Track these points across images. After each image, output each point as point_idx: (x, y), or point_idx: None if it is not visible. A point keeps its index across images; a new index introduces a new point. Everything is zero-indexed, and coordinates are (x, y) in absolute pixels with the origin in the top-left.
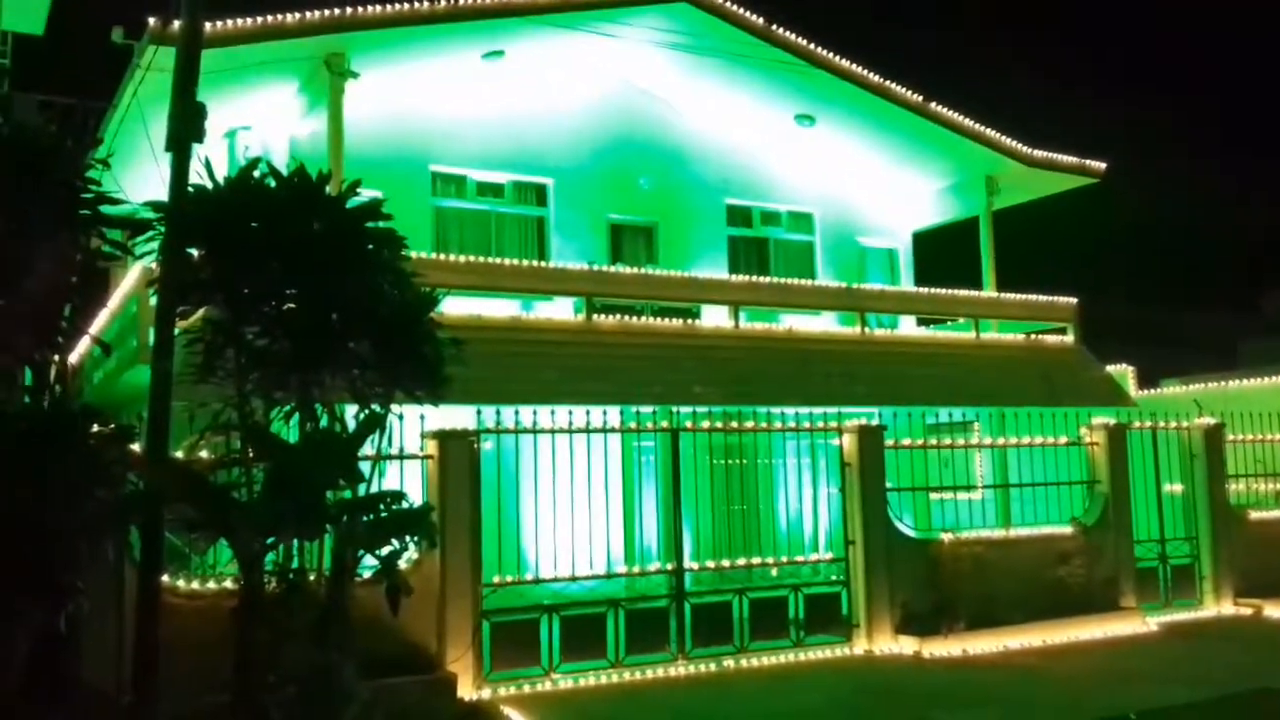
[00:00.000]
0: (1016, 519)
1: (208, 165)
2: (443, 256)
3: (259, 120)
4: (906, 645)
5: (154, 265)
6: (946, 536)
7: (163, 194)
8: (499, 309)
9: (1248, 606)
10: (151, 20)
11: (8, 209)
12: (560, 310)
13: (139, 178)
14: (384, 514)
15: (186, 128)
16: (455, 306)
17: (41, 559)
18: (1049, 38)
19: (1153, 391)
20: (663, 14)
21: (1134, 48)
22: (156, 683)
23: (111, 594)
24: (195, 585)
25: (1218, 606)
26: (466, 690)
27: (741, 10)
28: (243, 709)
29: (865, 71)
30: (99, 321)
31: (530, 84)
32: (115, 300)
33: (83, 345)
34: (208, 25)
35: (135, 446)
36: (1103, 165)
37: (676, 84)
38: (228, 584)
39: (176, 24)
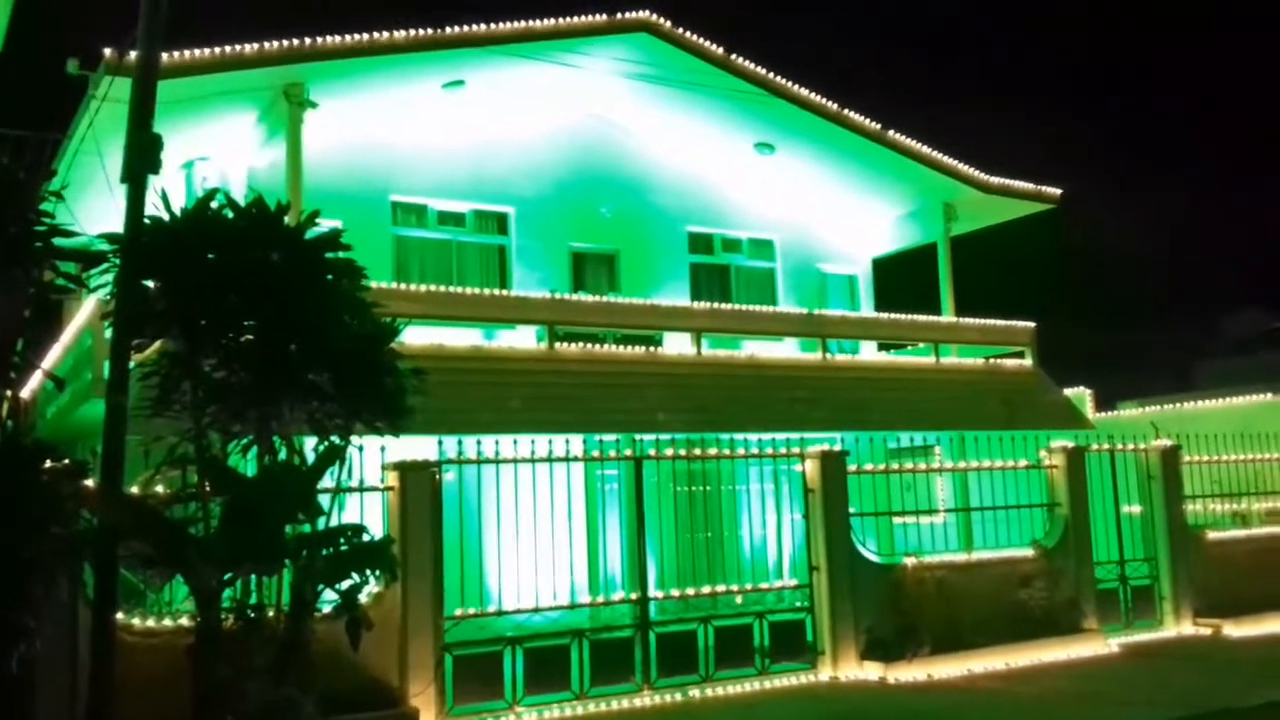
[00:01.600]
0: (978, 542)
1: (164, 197)
2: (403, 286)
3: (217, 151)
4: (872, 671)
5: (109, 298)
6: (910, 561)
7: (119, 225)
8: (460, 338)
9: (1207, 626)
10: (107, 51)
11: None
12: (522, 339)
13: (95, 209)
14: (344, 548)
15: (142, 160)
16: (416, 336)
17: None
18: (1006, 64)
19: (1110, 414)
20: (623, 43)
21: (1092, 71)
22: None
23: (65, 632)
24: (151, 623)
25: (1178, 627)
26: None
27: (701, 40)
28: None
29: (824, 100)
30: (52, 355)
31: (491, 113)
32: (69, 333)
33: (36, 379)
34: (165, 55)
35: (89, 482)
36: (1058, 191)
37: (637, 113)
38: (184, 621)
39: (132, 55)
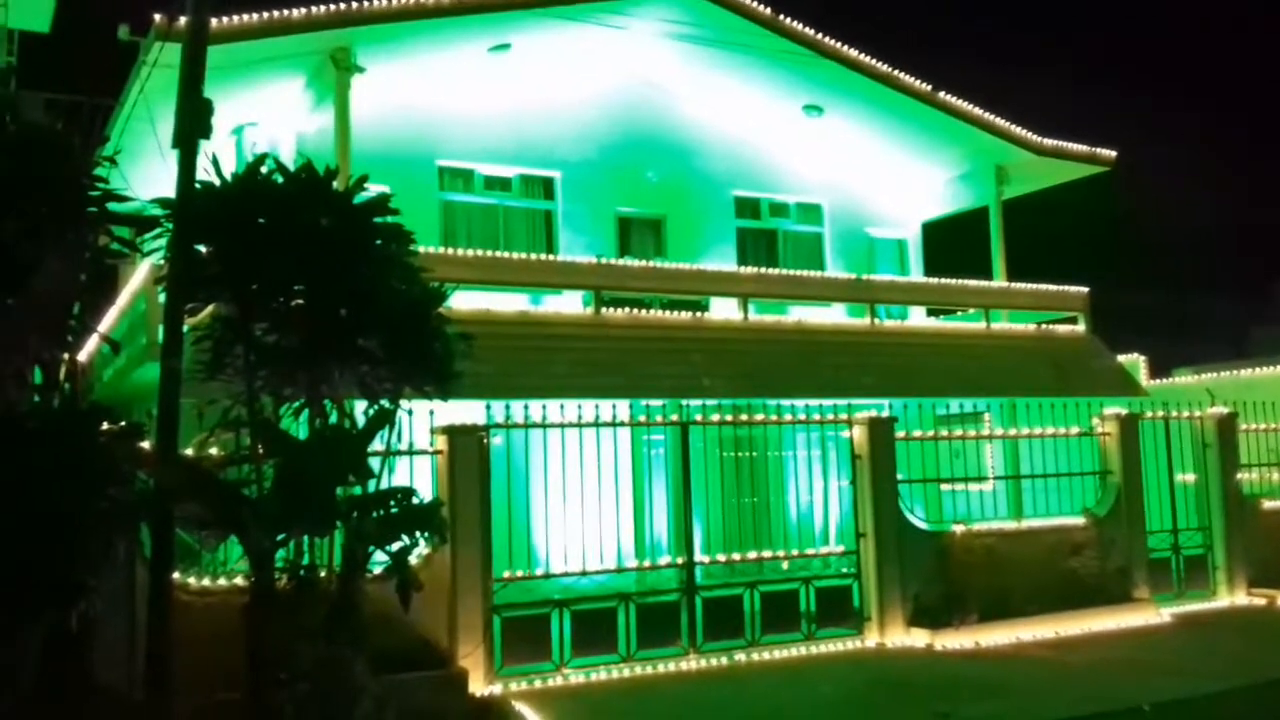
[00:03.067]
0: (1028, 510)
1: (215, 162)
2: (450, 251)
3: (266, 116)
4: (918, 638)
5: (162, 262)
6: (958, 528)
7: (170, 191)
8: (507, 303)
9: (1261, 596)
10: (157, 17)
11: (16, 209)
12: (569, 304)
13: (147, 174)
14: (394, 510)
15: (193, 125)
16: (463, 301)
17: (54, 557)
18: (1061, 24)
19: (1165, 381)
20: (670, 4)
21: (1142, 33)
22: (169, 680)
23: (123, 592)
24: (206, 582)
25: (1231, 597)
26: (478, 686)
27: (748, 0)
28: (255, 706)
29: (873, 61)
30: (108, 319)
31: (537, 77)
32: (124, 297)
33: (92, 343)
34: (214, 21)
35: (146, 444)
36: (1113, 153)
37: (684, 76)
38: (238, 581)
39: (182, 20)
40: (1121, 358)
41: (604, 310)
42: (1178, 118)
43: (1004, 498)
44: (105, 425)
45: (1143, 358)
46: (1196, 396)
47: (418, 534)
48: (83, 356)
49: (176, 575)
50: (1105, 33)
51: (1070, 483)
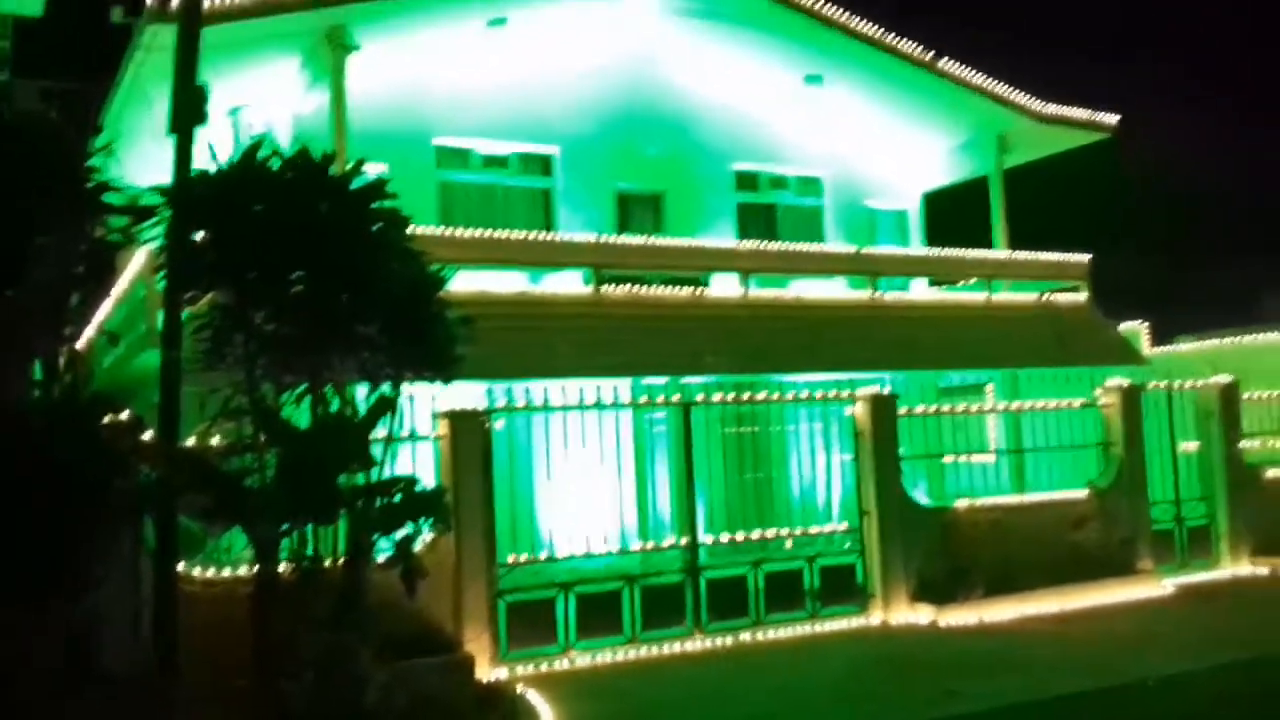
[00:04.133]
0: (1030, 482)
1: (211, 150)
2: (448, 231)
3: (262, 97)
4: (923, 614)
5: (160, 250)
6: (961, 504)
7: (167, 173)
8: (506, 283)
9: (1265, 565)
10: None
11: (11, 200)
12: (568, 282)
13: (143, 158)
14: (398, 498)
15: (188, 112)
16: (462, 282)
17: (61, 552)
18: None
19: (1167, 349)
20: None
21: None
22: (176, 670)
23: (128, 584)
24: (211, 573)
25: (1234, 566)
26: (484, 670)
27: None
28: (262, 694)
29: (873, 29)
30: (106, 307)
31: (534, 52)
32: (122, 285)
33: (91, 330)
34: (206, 2)
35: (148, 435)
36: (1114, 119)
37: (682, 48)
38: (243, 571)
39: (175, 1)
40: (1123, 326)
41: (604, 288)
42: (1186, 80)
43: (1006, 470)
44: (107, 417)
45: (1145, 326)
46: (1199, 365)
47: (422, 521)
48: (81, 344)
49: (181, 567)
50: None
51: (1073, 455)
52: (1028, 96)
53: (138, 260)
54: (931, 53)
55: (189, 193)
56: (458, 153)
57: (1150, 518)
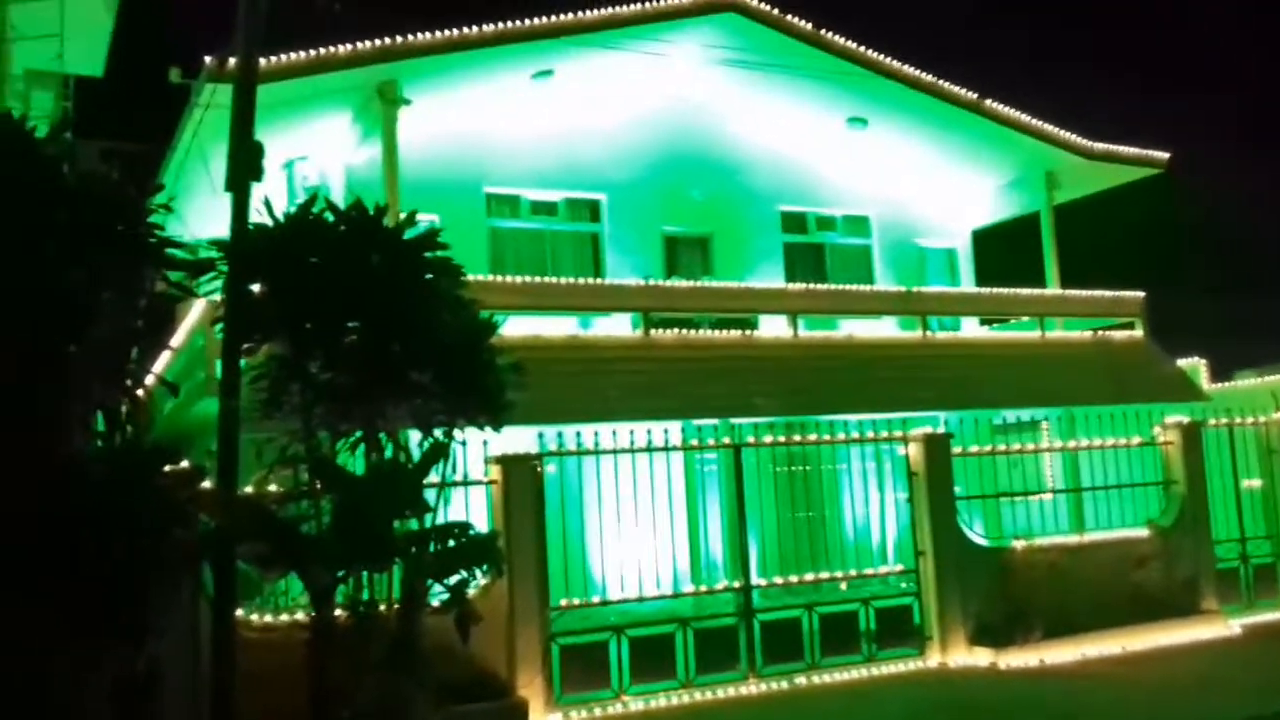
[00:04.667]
0: (1089, 521)
1: (267, 204)
2: (499, 278)
3: (315, 150)
4: (981, 657)
5: (218, 299)
6: (1019, 544)
7: (224, 227)
8: (557, 327)
9: None
10: (208, 59)
11: (74, 259)
12: (618, 325)
13: (201, 212)
14: (451, 543)
15: (245, 169)
16: (513, 326)
17: (122, 602)
18: (1112, 23)
19: (1226, 384)
20: (710, 24)
21: (1196, 31)
22: (235, 718)
23: (187, 631)
24: (268, 619)
25: None
26: (538, 715)
27: (790, 17)
28: None
29: (917, 72)
30: (165, 356)
31: (580, 101)
32: (181, 334)
33: (151, 379)
34: (262, 60)
35: (206, 483)
36: (1166, 155)
37: (727, 93)
38: (300, 617)
39: (232, 62)
40: (1181, 362)
41: (653, 331)
42: (1236, 114)
43: (1065, 509)
44: (167, 467)
45: (1203, 361)
46: (1260, 400)
47: (475, 566)
48: (140, 392)
49: (239, 613)
50: (1160, 30)
51: (1133, 493)
52: (1075, 134)
53: (196, 310)
54: (976, 93)
55: (246, 247)
56: (507, 200)
57: (1214, 556)
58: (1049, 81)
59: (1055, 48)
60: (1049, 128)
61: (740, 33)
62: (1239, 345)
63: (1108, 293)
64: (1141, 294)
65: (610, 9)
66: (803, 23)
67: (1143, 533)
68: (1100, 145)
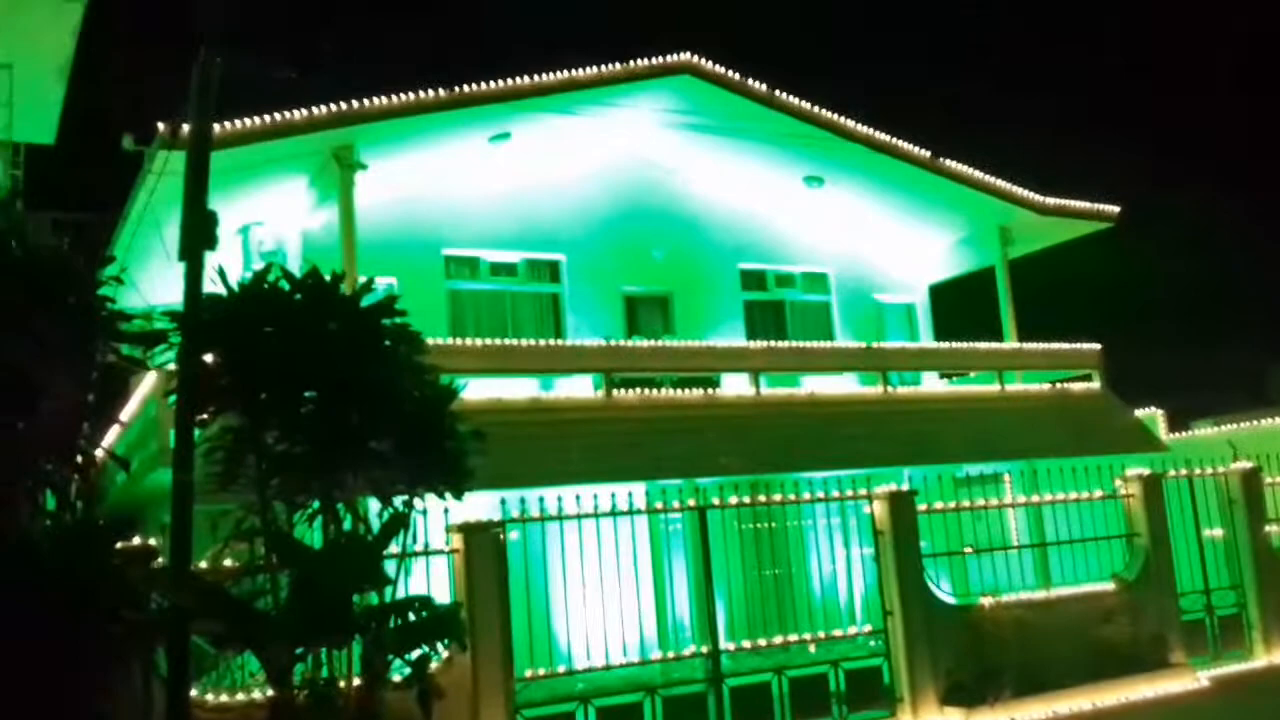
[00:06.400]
0: (1055, 574)
1: (221, 272)
2: (459, 341)
3: (271, 215)
4: (953, 717)
5: (171, 368)
6: (986, 601)
7: (179, 293)
8: (518, 389)
9: None
10: (160, 126)
11: (24, 333)
12: (580, 387)
13: (154, 280)
14: (412, 618)
15: (199, 237)
16: (474, 390)
17: (71, 686)
18: (1058, 81)
19: (1184, 434)
20: (666, 87)
21: (1145, 83)
22: None
23: (139, 714)
24: (224, 698)
25: (1269, 655)
26: None
27: (745, 79)
28: None
29: (871, 131)
30: (116, 428)
31: (538, 162)
32: (134, 405)
33: (102, 450)
34: (216, 127)
35: (159, 561)
36: (1116, 209)
37: (684, 153)
38: (255, 695)
39: (185, 129)
40: (1139, 412)
41: (615, 392)
42: (1184, 166)
43: (1030, 562)
44: (119, 544)
45: (1160, 411)
46: (1218, 449)
47: (437, 641)
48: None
49: (194, 692)
50: (1107, 86)
51: (1097, 545)
52: (1027, 190)
53: (149, 380)
54: (929, 151)
55: (199, 317)
56: (466, 262)
57: (1179, 608)
58: (1006, 137)
59: (1012, 103)
60: (1002, 183)
61: (696, 94)
62: (1197, 396)
63: (1065, 345)
64: (1098, 346)
65: (566, 72)
66: (758, 84)
67: (1108, 586)
68: (1052, 200)
